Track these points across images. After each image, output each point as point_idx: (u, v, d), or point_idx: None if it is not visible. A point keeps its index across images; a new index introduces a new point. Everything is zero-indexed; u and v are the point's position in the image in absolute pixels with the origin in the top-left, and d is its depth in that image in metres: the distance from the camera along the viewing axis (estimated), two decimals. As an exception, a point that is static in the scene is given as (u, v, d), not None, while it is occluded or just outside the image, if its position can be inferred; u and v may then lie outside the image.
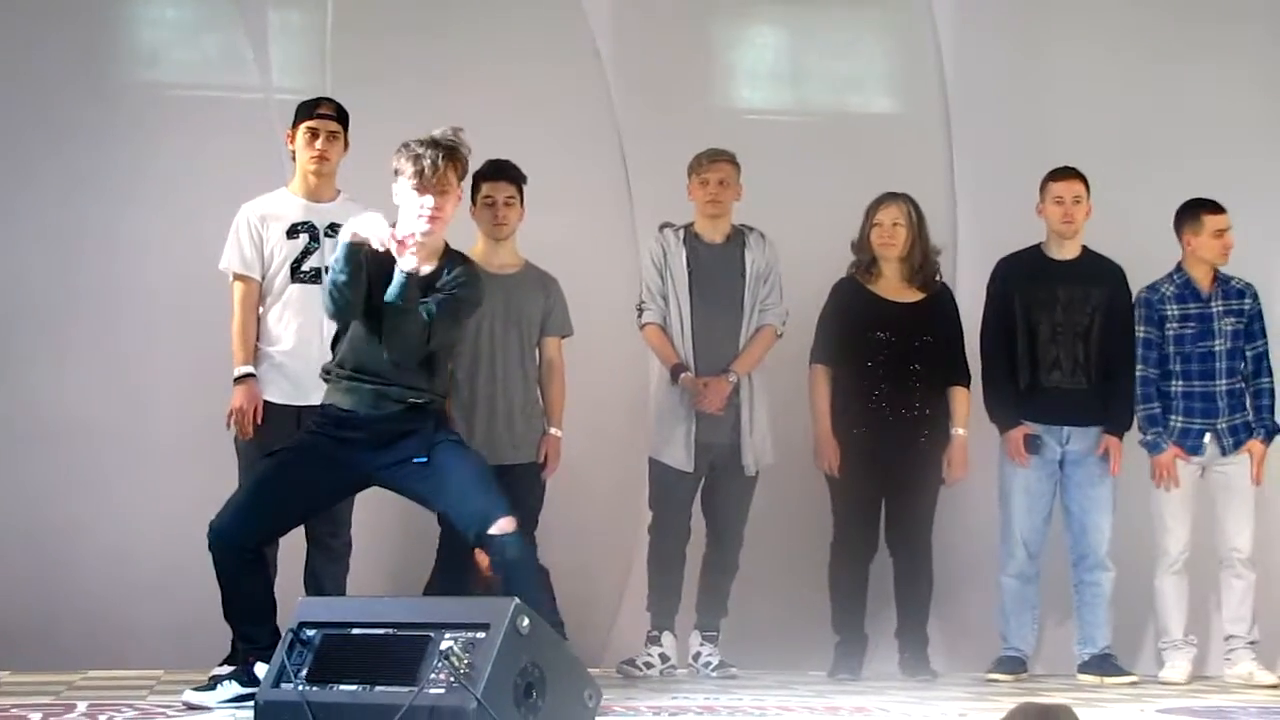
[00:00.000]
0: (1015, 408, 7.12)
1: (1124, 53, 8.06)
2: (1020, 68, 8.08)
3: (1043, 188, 7.22)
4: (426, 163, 5.31)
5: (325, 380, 5.54)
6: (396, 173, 5.39)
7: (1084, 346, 7.10)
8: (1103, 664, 7.04)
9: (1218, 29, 8.13)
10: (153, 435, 7.11)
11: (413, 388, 5.41)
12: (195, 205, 7.06)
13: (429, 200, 5.32)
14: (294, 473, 5.44)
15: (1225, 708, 6.20)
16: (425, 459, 5.37)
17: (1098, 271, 7.20)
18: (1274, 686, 6.99)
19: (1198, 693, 6.79)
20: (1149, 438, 7.20)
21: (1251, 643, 7.14)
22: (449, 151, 5.36)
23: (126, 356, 7.18)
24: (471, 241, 6.70)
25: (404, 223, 5.33)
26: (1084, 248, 7.22)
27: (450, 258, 5.49)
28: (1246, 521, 7.19)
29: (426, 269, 5.31)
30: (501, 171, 6.79)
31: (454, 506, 5.39)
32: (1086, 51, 8.08)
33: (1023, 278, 7.19)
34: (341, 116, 6.47)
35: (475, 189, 6.80)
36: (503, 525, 5.26)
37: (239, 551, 5.39)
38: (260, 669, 5.11)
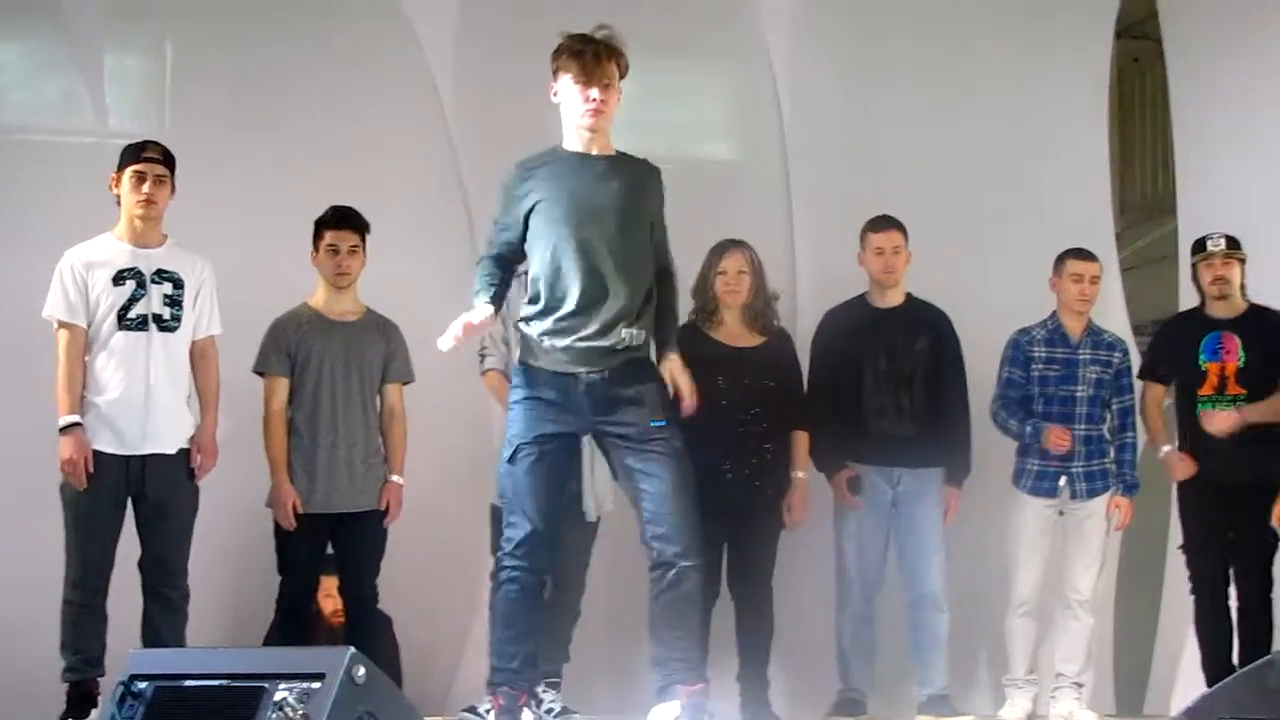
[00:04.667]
0: (839, 452, 7.19)
1: (959, 97, 8.23)
2: (856, 115, 8.22)
3: (862, 238, 7.31)
4: (589, 56, 5.34)
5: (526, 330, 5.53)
6: (557, 71, 5.39)
7: (909, 393, 7.18)
8: (939, 705, 7.11)
9: (1046, 73, 8.33)
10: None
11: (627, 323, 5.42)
12: (31, 249, 6.96)
13: (594, 93, 5.35)
14: (549, 469, 5.47)
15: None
16: (664, 422, 5.46)
17: (921, 318, 7.29)
18: (1093, 726, 7.13)
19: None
20: (1029, 429, 7.17)
21: (1077, 684, 7.26)
22: (609, 46, 5.38)
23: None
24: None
25: (566, 116, 5.42)
26: (908, 295, 7.32)
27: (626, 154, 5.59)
28: (1090, 566, 7.27)
29: (612, 152, 5.51)
30: (345, 219, 6.78)
31: (661, 515, 5.45)
32: (923, 97, 8.24)
33: (847, 328, 7.27)
34: (168, 160, 6.37)
35: (318, 236, 6.79)
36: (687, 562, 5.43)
37: (547, 572, 5.56)
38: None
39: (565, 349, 5.41)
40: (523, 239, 5.52)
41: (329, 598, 7.11)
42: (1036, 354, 7.32)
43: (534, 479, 5.42)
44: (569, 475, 5.67)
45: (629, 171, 5.55)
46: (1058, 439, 7.13)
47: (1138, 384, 7.39)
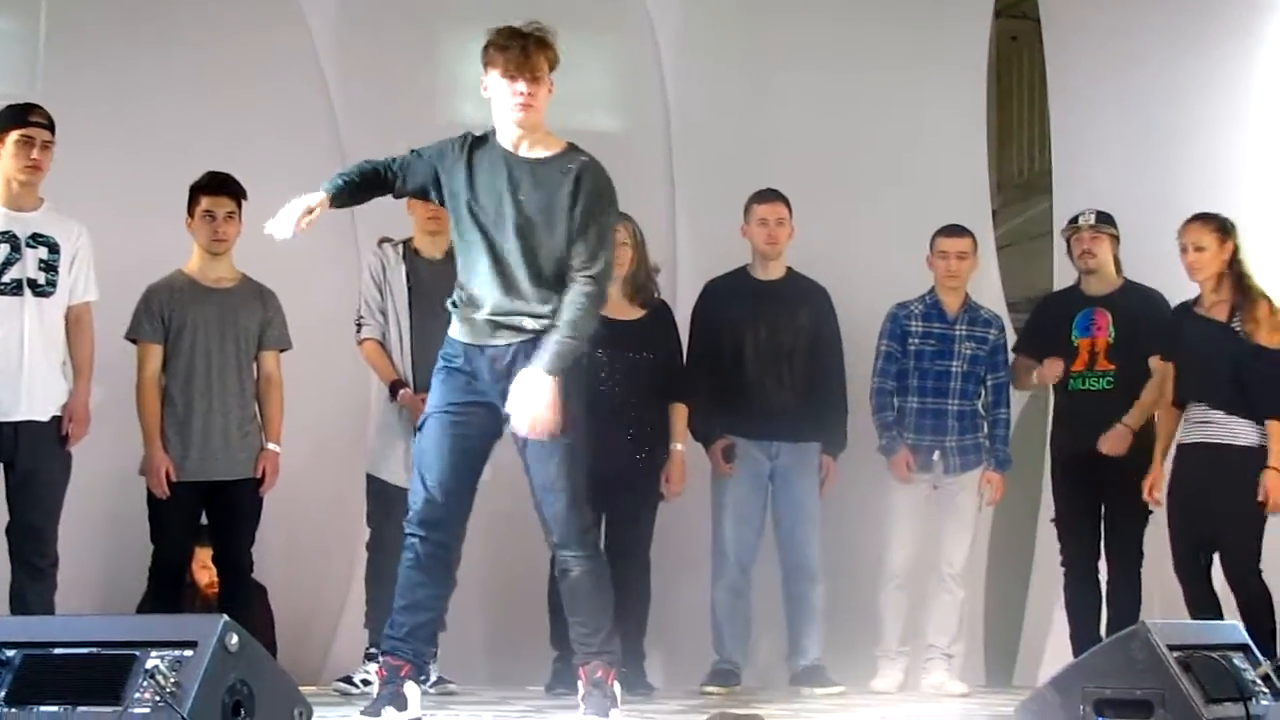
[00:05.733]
0: (718, 424, 7.22)
1: (840, 74, 8.27)
2: (741, 89, 8.27)
3: (747, 209, 7.35)
4: (516, 50, 5.22)
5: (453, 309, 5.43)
6: (486, 66, 5.29)
7: (788, 365, 7.24)
8: (813, 675, 7.18)
9: (926, 51, 8.39)
10: None
11: (529, 314, 5.28)
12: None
13: (520, 86, 5.23)
14: (457, 440, 5.33)
15: (924, 717, 6.39)
16: None
17: (801, 292, 7.35)
18: (964, 696, 7.19)
19: (900, 702, 7.00)
20: (884, 442, 7.36)
21: (948, 655, 7.36)
22: (538, 39, 5.26)
23: None
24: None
25: (496, 111, 5.29)
26: (788, 269, 7.38)
27: (568, 150, 5.38)
28: (962, 540, 7.39)
29: (542, 152, 5.29)
30: (222, 186, 6.72)
31: (540, 505, 5.36)
32: (805, 74, 8.28)
33: (728, 299, 7.31)
34: (51, 125, 6.27)
35: (194, 202, 6.72)
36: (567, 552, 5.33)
37: (450, 544, 5.40)
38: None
39: (472, 320, 5.36)
40: (412, 183, 5.44)
41: (205, 569, 7.06)
42: (913, 329, 7.40)
43: (438, 449, 5.34)
44: (486, 446, 5.51)
45: (559, 172, 5.34)
46: (902, 472, 7.28)
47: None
